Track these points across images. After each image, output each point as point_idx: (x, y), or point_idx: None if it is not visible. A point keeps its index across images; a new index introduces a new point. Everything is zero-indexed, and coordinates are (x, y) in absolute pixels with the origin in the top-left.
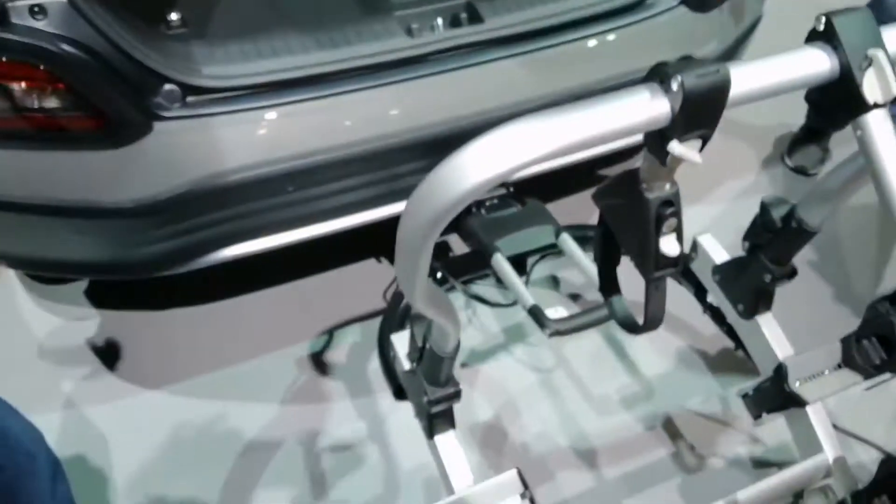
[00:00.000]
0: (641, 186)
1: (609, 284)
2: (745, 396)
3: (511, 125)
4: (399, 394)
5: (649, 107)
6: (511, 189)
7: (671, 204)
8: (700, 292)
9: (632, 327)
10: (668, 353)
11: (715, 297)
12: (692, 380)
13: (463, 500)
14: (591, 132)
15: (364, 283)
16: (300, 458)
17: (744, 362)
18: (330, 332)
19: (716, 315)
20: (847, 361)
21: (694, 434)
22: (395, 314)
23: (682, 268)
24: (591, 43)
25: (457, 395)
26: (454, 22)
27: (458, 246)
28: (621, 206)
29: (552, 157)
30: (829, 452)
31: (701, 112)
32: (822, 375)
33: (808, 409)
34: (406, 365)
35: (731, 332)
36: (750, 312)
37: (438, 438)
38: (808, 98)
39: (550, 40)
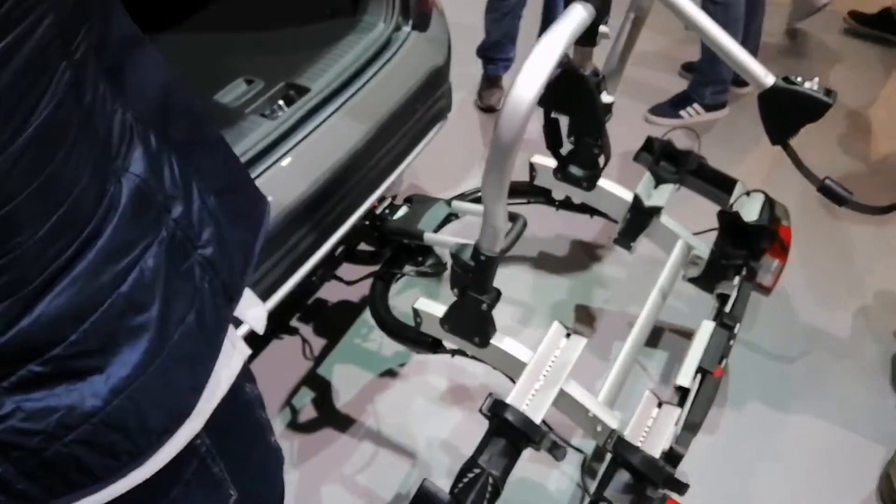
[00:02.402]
0: (580, 72)
1: (562, 160)
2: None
3: (527, 61)
4: (436, 346)
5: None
6: (394, 198)
7: (597, 73)
8: None
9: (577, 179)
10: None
11: None
12: None
13: (536, 361)
14: (565, 40)
15: (279, 359)
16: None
17: None
18: (289, 403)
19: None
20: None
21: None
22: (383, 305)
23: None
24: (375, 80)
25: (500, 294)
26: (290, 100)
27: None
28: (566, 93)
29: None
30: (685, 237)
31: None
32: None
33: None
34: (440, 312)
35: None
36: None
37: (493, 341)
38: None
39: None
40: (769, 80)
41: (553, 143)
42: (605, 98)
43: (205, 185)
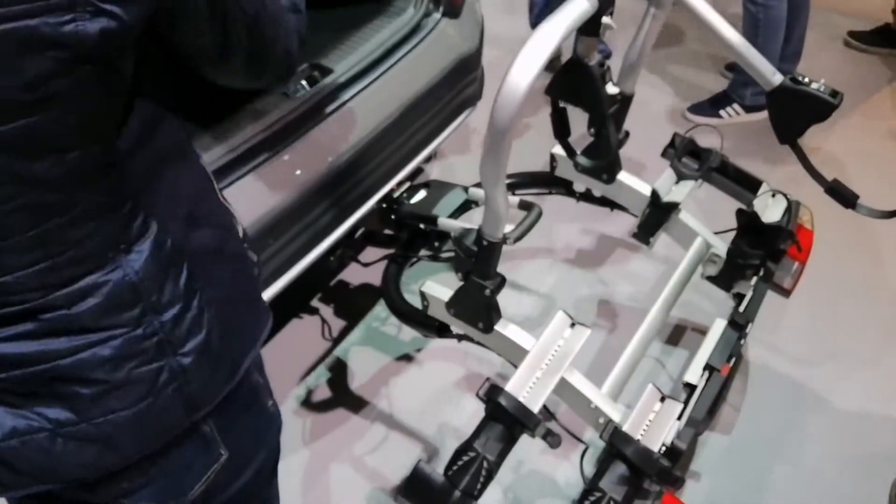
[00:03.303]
0: (584, 62)
1: (570, 150)
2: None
3: (524, 48)
4: (442, 331)
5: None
6: (413, 182)
7: (602, 65)
8: None
9: (597, 172)
10: None
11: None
12: None
13: (538, 349)
14: (563, 29)
15: (297, 337)
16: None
17: None
18: (304, 381)
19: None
20: None
21: None
22: (395, 287)
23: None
24: (400, 65)
25: (504, 280)
26: (312, 80)
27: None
28: (571, 83)
29: (550, 54)
30: (704, 235)
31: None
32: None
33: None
34: (447, 296)
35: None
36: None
37: (497, 327)
38: None
39: (376, 72)
40: (777, 78)
41: (560, 132)
42: (611, 89)
43: (209, 296)
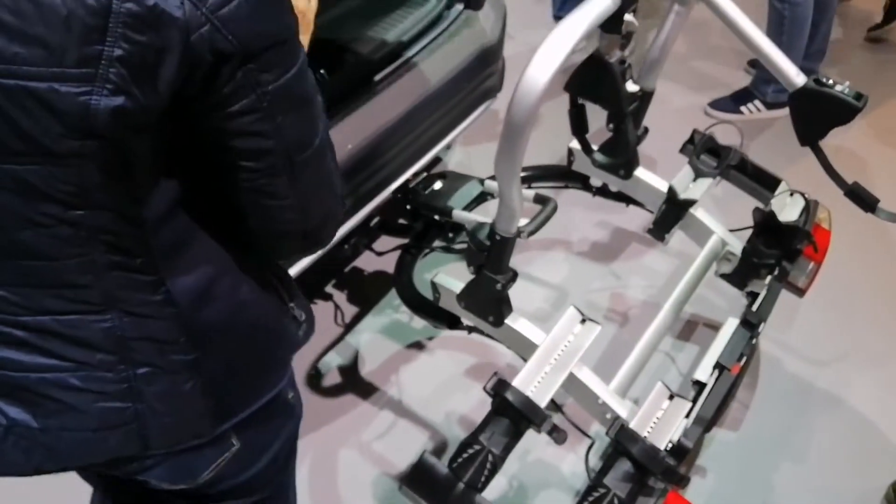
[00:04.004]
0: (605, 59)
1: (587, 146)
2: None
3: (544, 44)
4: (453, 323)
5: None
6: (430, 172)
7: (622, 61)
8: None
9: (614, 167)
10: None
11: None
12: None
13: (548, 345)
14: (584, 26)
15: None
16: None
17: None
18: (315, 366)
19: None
20: None
21: None
22: (407, 277)
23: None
24: (420, 55)
25: (516, 274)
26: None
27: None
28: (590, 79)
29: (573, 44)
30: (719, 232)
31: None
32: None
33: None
34: (458, 288)
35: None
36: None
37: (508, 321)
38: None
39: (396, 62)
40: (800, 79)
41: (578, 128)
42: (631, 87)
43: (201, 363)
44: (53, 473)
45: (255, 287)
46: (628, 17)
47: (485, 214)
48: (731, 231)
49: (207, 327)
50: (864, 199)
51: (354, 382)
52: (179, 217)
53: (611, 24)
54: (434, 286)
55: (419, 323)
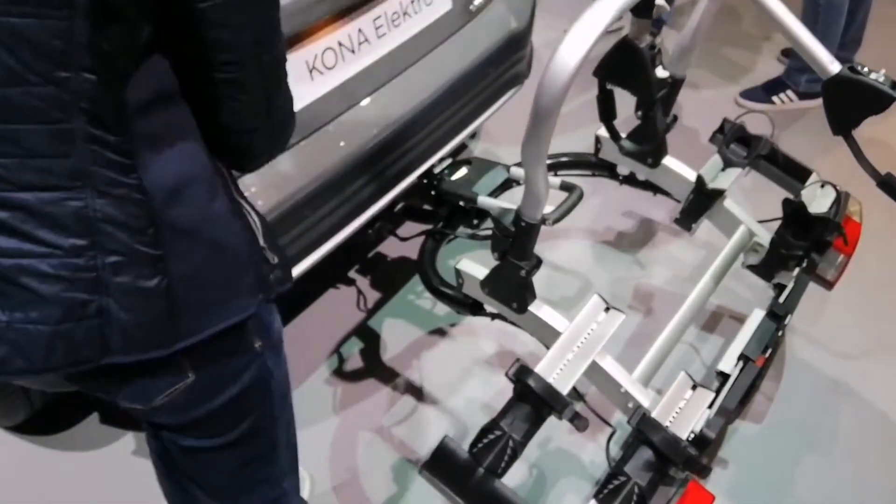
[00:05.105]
0: (635, 44)
1: (614, 133)
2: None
3: (573, 27)
4: (476, 309)
5: None
6: (455, 158)
7: (653, 47)
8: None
9: (642, 155)
10: None
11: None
12: None
13: (571, 332)
14: (615, 10)
15: (333, 307)
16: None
17: None
18: (337, 350)
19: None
20: None
21: None
22: (430, 263)
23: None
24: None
25: (540, 261)
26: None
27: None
28: (620, 65)
29: (603, 28)
30: (747, 223)
31: None
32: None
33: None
34: (482, 274)
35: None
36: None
37: (531, 308)
38: None
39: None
40: (834, 67)
41: (606, 115)
42: (661, 73)
43: (168, 267)
44: (23, 378)
45: (229, 209)
46: (659, 0)
47: (511, 201)
48: (759, 222)
49: (175, 228)
50: None
51: (376, 367)
52: (161, 112)
53: (642, 9)
54: (457, 272)
55: (442, 309)
